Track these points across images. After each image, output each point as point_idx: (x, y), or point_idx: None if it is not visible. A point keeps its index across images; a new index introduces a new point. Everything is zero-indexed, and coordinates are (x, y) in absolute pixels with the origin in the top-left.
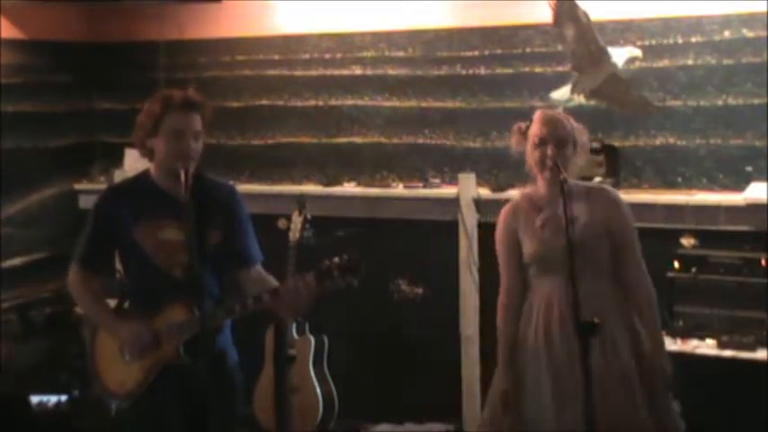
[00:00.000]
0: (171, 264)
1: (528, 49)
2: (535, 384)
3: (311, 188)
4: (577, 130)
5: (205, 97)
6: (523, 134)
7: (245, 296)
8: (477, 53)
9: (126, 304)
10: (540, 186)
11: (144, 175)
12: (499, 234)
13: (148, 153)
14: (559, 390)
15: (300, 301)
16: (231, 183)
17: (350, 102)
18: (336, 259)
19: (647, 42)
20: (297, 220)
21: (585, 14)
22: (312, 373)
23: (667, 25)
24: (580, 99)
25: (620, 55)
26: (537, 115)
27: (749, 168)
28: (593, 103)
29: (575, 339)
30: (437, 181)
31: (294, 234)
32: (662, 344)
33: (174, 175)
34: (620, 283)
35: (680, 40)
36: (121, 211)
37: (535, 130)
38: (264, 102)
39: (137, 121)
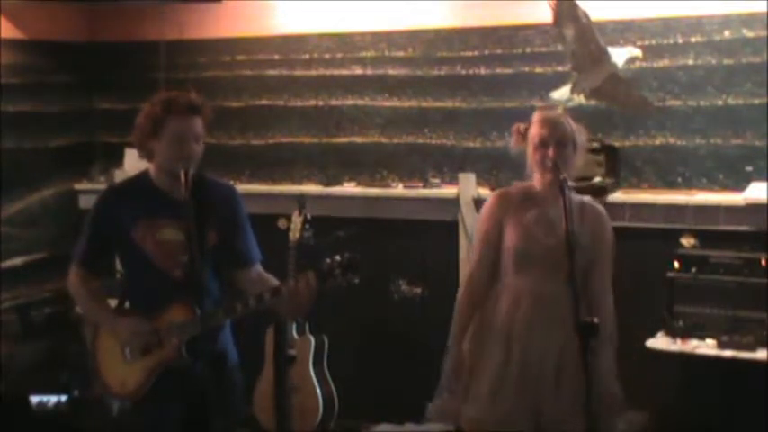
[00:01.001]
0: (170, 264)
1: (528, 49)
2: (488, 375)
3: (311, 188)
4: (576, 130)
5: (205, 99)
6: (522, 135)
7: (246, 296)
8: (477, 53)
9: (126, 305)
10: (536, 184)
11: (143, 176)
12: (483, 217)
13: (148, 155)
14: (512, 385)
15: (302, 300)
16: (231, 183)
17: (350, 102)
18: (337, 257)
19: (647, 42)
20: (297, 220)
21: (585, 14)
22: (312, 373)
23: (667, 25)
24: (580, 99)
25: (620, 55)
26: (536, 116)
27: (749, 168)
28: (593, 103)
29: (534, 340)
30: (437, 181)
31: (294, 234)
32: (613, 367)
33: (173, 176)
34: (585, 296)
35: (680, 40)
36: (120, 211)
37: (536, 131)
38: (264, 102)
39: (136, 122)
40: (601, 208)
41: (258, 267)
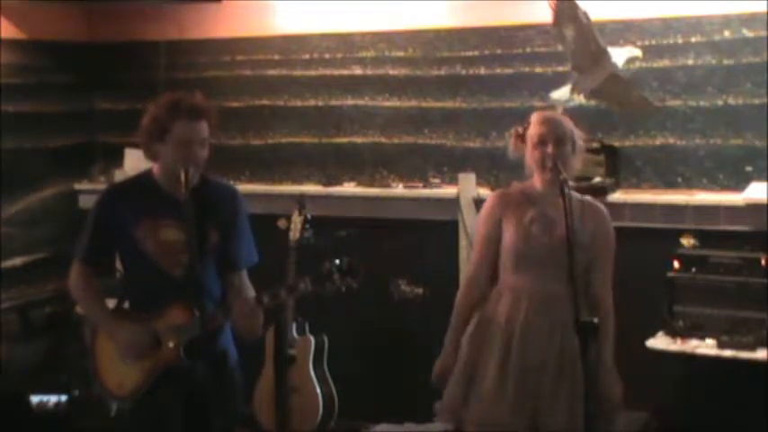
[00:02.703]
0: (171, 264)
1: (528, 49)
2: (488, 375)
3: (311, 188)
4: (575, 131)
5: (210, 101)
6: (521, 137)
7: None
8: (477, 53)
9: (126, 304)
10: (536, 183)
11: (146, 175)
12: (482, 218)
13: (153, 156)
14: (512, 385)
15: (243, 323)
16: (233, 185)
17: (350, 102)
18: (336, 261)
19: (647, 42)
20: (297, 220)
21: (585, 14)
22: (312, 373)
23: (667, 25)
24: (580, 99)
25: (620, 55)
26: (535, 117)
27: (749, 168)
28: (593, 103)
29: (534, 340)
30: (437, 181)
31: (294, 234)
32: (611, 366)
33: (177, 177)
34: (587, 295)
35: (680, 40)
36: (123, 210)
37: (534, 130)
38: (264, 102)
39: (141, 123)
40: (602, 207)
41: (242, 274)
